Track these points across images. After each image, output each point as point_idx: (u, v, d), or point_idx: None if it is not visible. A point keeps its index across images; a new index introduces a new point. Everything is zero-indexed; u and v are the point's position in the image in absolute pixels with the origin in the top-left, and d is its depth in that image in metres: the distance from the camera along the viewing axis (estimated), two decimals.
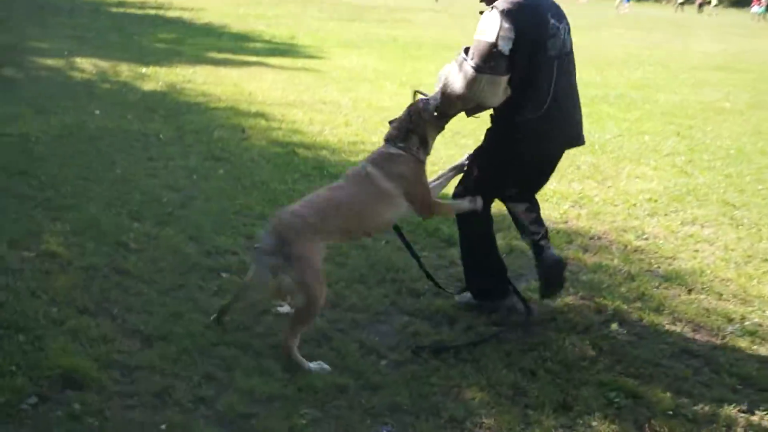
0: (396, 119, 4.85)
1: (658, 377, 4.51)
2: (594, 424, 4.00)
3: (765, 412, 4.21)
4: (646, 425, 4.01)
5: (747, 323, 5.25)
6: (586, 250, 6.51)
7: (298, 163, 8.46)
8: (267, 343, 4.55)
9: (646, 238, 6.86)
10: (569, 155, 10.05)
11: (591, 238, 6.79)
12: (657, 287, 5.78)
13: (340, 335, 4.74)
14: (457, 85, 4.65)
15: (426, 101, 4.77)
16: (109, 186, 7.10)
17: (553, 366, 4.53)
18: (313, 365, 4.27)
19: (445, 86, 4.73)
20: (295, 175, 7.98)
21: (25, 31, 17.45)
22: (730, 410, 4.18)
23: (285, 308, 4.96)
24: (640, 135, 11.43)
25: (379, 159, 4.72)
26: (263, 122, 10.41)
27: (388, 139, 4.78)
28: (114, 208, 6.52)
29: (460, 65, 4.64)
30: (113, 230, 5.99)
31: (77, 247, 5.62)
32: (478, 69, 4.55)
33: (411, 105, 4.81)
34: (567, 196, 7.96)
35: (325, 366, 4.29)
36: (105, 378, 4.04)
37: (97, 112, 10.10)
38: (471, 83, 4.59)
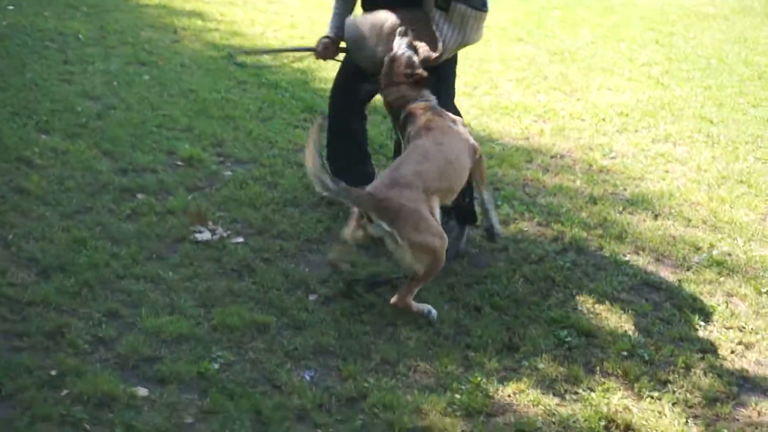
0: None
1: (614, 313, 4.38)
2: (541, 366, 3.86)
3: (728, 352, 4.10)
4: (598, 368, 3.88)
5: (715, 252, 5.12)
6: (546, 170, 6.32)
7: (234, 69, 8.10)
8: (181, 276, 4.33)
9: (614, 157, 6.68)
10: (536, 64, 9.92)
11: (553, 157, 6.60)
12: (621, 212, 5.62)
13: (265, 266, 4.53)
14: (478, 34, 4.67)
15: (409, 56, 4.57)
16: (16, 93, 6.73)
17: (501, 301, 4.37)
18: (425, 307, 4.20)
19: (451, 38, 4.60)
20: (230, 83, 7.66)
21: None
22: (690, 351, 4.06)
23: (204, 235, 4.73)
24: (615, 42, 11.16)
25: (444, 113, 4.55)
26: (199, 22, 9.97)
27: (415, 98, 4.55)
28: (20, 119, 6.17)
29: (462, 14, 4.51)
30: (16, 144, 5.67)
31: None
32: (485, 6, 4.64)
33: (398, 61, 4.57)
34: (530, 109, 7.73)
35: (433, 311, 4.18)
36: None
37: (11, 7, 9.58)
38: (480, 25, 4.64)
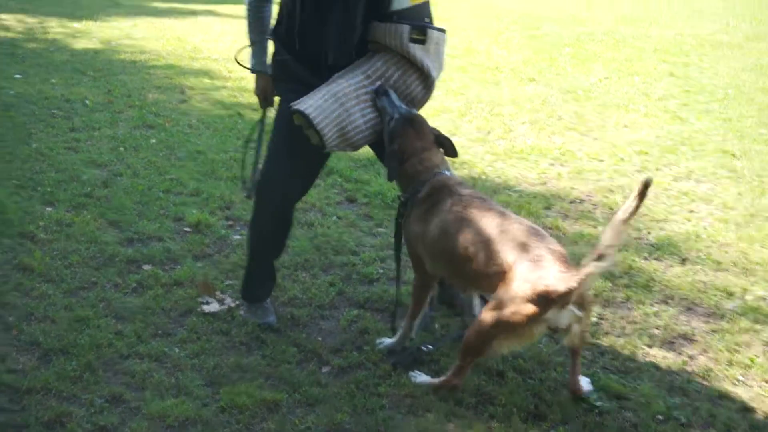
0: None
1: (646, 372, 4.13)
2: None
3: None
4: None
5: (748, 297, 4.88)
6: (566, 216, 6.10)
7: (242, 127, 7.99)
8: (188, 352, 4.12)
9: None
10: (549, 104, 9.75)
11: (572, 202, 6.38)
12: (646, 258, 5.39)
13: (275, 337, 4.32)
14: (439, 62, 4.22)
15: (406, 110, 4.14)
16: (21, 164, 6.60)
17: (525, 364, 4.14)
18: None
19: (434, 69, 4.19)
20: (237, 142, 7.51)
21: None
22: (730, 410, 3.81)
23: (212, 306, 4.54)
24: (629, 77, 11.00)
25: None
26: (206, 80, 9.89)
27: (438, 165, 4.12)
28: (25, 191, 6.03)
29: (437, 41, 4.14)
30: (20, 218, 5.52)
31: None
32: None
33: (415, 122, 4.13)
34: (546, 152, 7.54)
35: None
36: None
37: (18, 76, 9.55)
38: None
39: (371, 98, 4.08)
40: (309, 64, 4.14)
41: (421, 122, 4.13)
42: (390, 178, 4.15)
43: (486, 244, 3.66)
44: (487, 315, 3.58)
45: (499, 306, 3.52)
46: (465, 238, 3.74)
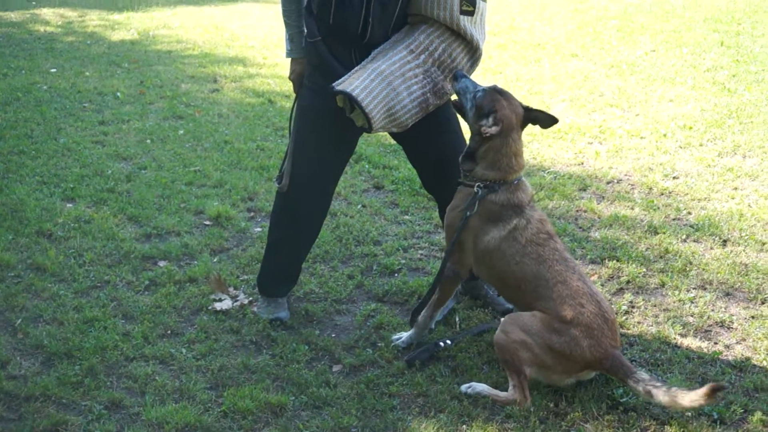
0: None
1: (678, 363, 3.86)
2: None
3: None
4: None
5: None
6: (602, 197, 5.81)
7: (272, 115, 7.84)
8: (194, 353, 3.98)
9: (676, 177, 6.13)
10: (591, 80, 9.39)
11: (609, 182, 6.08)
12: (684, 240, 5.08)
13: (287, 334, 4.15)
14: (483, 33, 4.02)
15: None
16: (47, 160, 6.54)
17: None
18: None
19: (481, 39, 3.98)
20: (266, 131, 7.36)
21: None
22: (765, 408, 3.52)
23: (224, 303, 4.39)
24: (677, 48, 10.53)
25: None
26: (240, 69, 9.75)
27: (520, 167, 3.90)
28: (47, 188, 5.96)
29: (482, 11, 3.93)
30: (38, 216, 5.43)
31: None
32: None
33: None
34: (585, 131, 7.23)
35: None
36: None
37: (53, 70, 9.54)
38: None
39: (415, 74, 3.85)
40: (341, 42, 3.92)
41: (511, 95, 3.86)
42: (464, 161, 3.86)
43: (541, 285, 3.63)
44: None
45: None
46: (522, 270, 3.68)
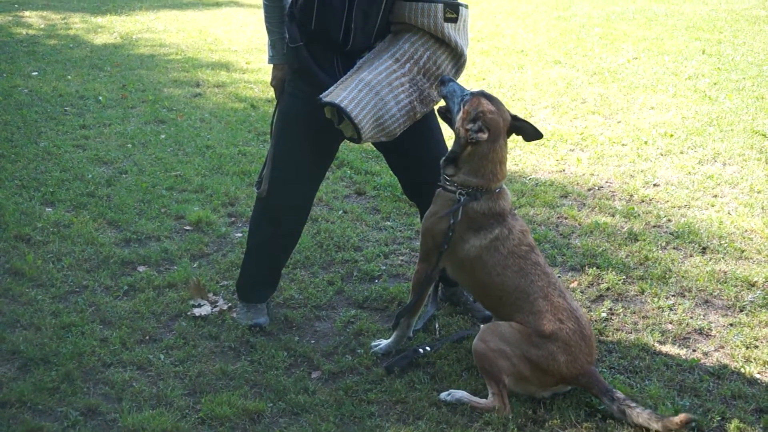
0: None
1: (656, 370, 3.86)
2: None
3: None
4: None
5: None
6: (583, 204, 5.82)
7: (254, 120, 7.82)
8: (172, 359, 3.95)
9: (657, 184, 6.15)
10: (573, 86, 9.40)
11: (590, 189, 6.10)
12: (664, 247, 5.10)
13: (266, 340, 4.13)
14: (466, 39, 4.00)
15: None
16: (27, 163, 6.49)
17: None
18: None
19: (465, 46, 3.96)
20: (249, 135, 7.34)
21: None
22: (744, 412, 3.53)
23: (203, 309, 4.37)
24: (659, 56, 10.61)
25: None
26: (223, 73, 9.72)
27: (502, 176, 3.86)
28: (27, 192, 5.92)
29: (465, 18, 3.92)
30: (17, 220, 5.39)
31: None
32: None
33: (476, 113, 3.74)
34: (567, 137, 7.25)
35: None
36: None
37: (35, 73, 9.49)
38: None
39: (401, 83, 3.84)
40: (323, 49, 3.91)
41: (498, 101, 3.81)
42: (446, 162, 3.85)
43: (521, 298, 3.64)
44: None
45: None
46: (503, 282, 3.68)
